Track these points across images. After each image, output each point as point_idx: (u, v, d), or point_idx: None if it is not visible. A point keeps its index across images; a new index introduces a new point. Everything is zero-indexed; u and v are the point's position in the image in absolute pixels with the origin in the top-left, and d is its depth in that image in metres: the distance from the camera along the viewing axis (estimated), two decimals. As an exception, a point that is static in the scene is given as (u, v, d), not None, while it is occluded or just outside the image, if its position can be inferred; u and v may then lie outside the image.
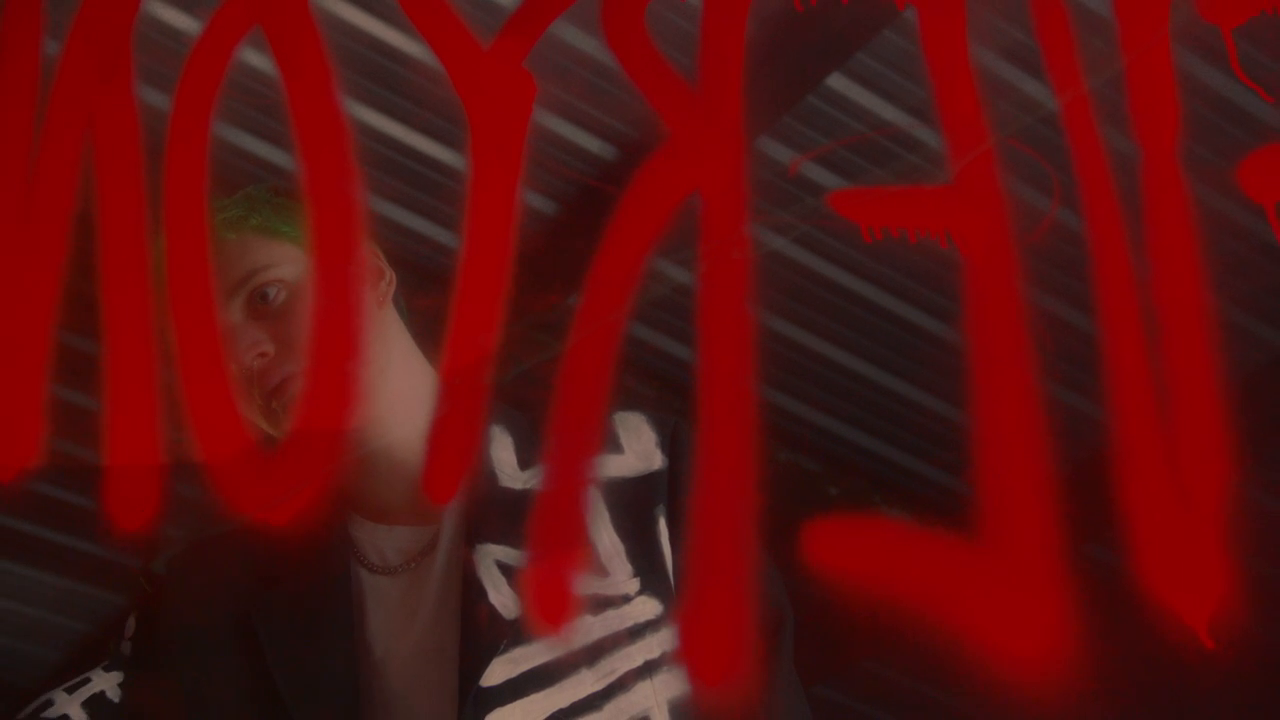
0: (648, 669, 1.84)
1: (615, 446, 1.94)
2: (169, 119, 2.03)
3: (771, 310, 4.23)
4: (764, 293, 1.86)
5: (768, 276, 1.87)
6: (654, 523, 1.90)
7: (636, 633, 1.85)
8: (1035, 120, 2.45)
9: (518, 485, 1.91)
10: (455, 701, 1.81)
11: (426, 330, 2.05)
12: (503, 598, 1.83)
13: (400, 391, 1.96)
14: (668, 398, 4.22)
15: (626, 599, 1.85)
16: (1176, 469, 1.70)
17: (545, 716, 1.80)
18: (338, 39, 2.14)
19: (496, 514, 1.88)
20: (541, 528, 1.80)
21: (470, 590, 1.84)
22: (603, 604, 1.84)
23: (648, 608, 1.86)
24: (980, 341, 1.78)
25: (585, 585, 1.84)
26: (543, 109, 2.09)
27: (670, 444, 1.96)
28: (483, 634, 1.81)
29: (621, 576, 1.86)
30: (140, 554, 2.02)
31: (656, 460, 1.95)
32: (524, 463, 1.93)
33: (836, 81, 3.80)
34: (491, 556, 1.86)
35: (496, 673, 1.81)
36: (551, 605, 1.78)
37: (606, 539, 1.87)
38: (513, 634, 1.81)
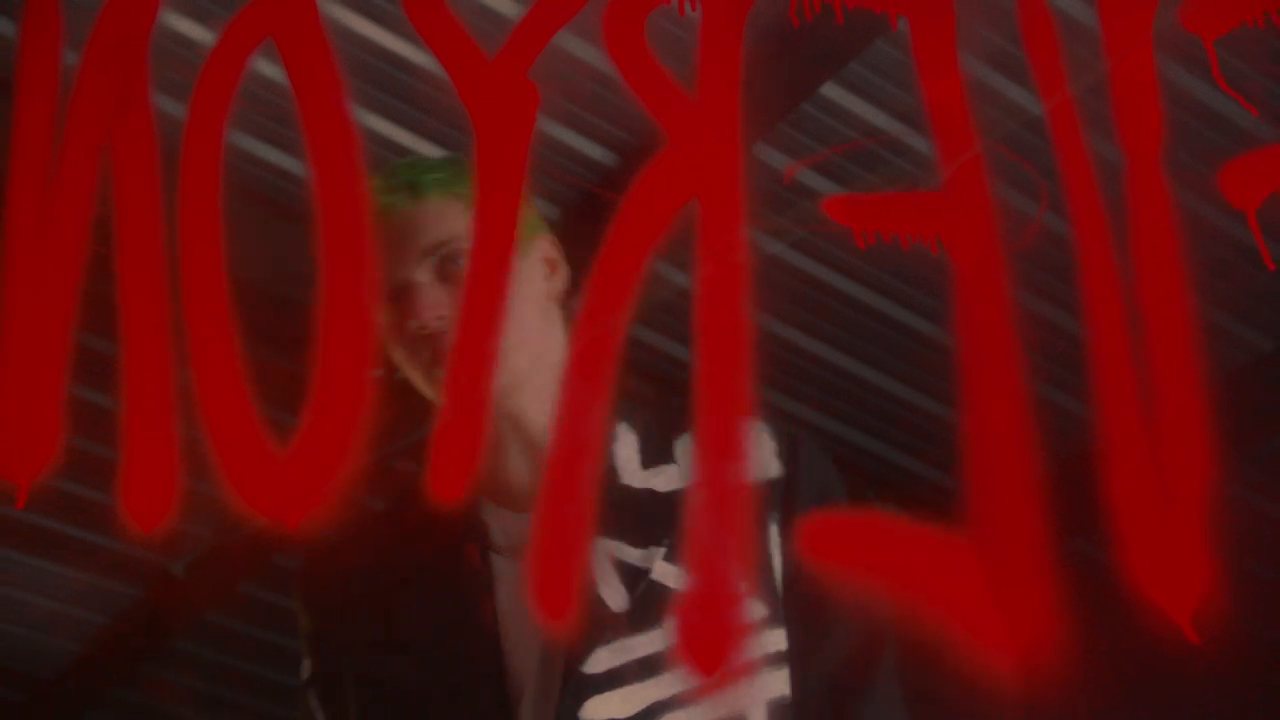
0: (749, 668, 1.85)
1: None
2: (184, 126, 2.05)
3: (768, 312, 4.23)
4: (761, 295, 1.87)
5: (764, 280, 1.88)
6: (766, 530, 1.91)
7: None
8: (1022, 127, 2.47)
9: (637, 484, 1.93)
10: (559, 684, 1.85)
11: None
12: (612, 591, 1.86)
13: (541, 385, 1.99)
14: (668, 398, 4.22)
15: None
16: (1161, 466, 1.72)
17: (644, 707, 1.83)
18: (347, 49, 2.14)
19: (614, 510, 1.87)
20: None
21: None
22: None
23: (754, 610, 1.87)
24: (970, 342, 1.79)
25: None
26: (546, 116, 2.09)
27: (788, 453, 1.98)
28: (590, 623, 1.81)
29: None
30: (158, 549, 2.04)
31: (773, 469, 1.97)
32: (646, 461, 1.95)
33: (830, 90, 3.81)
34: (606, 550, 1.88)
35: (600, 660, 1.84)
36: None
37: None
38: (619, 626, 1.84)
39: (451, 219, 2.02)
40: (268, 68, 2.11)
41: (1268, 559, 4.75)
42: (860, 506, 1.99)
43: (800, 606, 1.91)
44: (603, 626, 1.84)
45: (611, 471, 1.92)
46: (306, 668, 2.09)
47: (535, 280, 2.04)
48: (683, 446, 1.97)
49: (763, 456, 1.96)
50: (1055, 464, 1.78)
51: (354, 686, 1.99)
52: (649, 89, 1.97)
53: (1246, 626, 4.66)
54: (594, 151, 3.90)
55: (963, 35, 1.92)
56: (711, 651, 1.75)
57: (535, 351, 1.99)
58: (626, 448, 1.95)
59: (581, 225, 3.93)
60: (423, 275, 2.00)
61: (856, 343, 4.54)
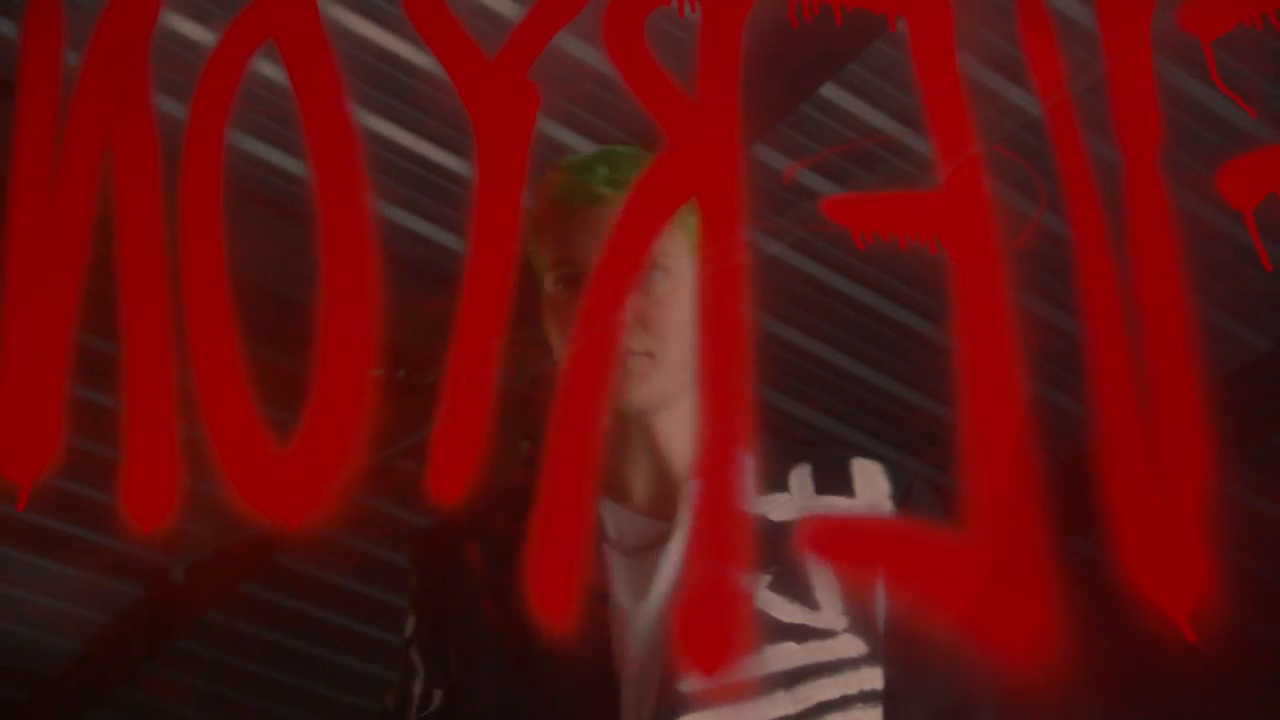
0: (843, 703, 1.87)
1: (848, 489, 1.97)
2: (185, 127, 2.05)
3: (767, 312, 4.24)
4: (760, 296, 1.88)
5: (764, 280, 1.89)
6: (872, 569, 1.92)
7: (837, 667, 1.88)
8: (1021, 127, 2.48)
9: (751, 510, 1.91)
10: (655, 699, 1.86)
11: (434, 333, 2.07)
12: None
13: (678, 390, 1.98)
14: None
15: (833, 634, 1.88)
16: (1159, 466, 1.72)
17: None
18: (348, 50, 2.15)
19: (726, 534, 1.85)
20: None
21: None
22: (810, 635, 1.87)
23: (852, 646, 1.89)
24: (968, 342, 1.80)
25: (794, 614, 1.88)
26: (546, 117, 2.10)
27: (902, 496, 1.99)
28: None
29: (831, 613, 1.88)
30: (160, 549, 2.04)
31: (885, 508, 1.97)
32: (762, 488, 1.95)
33: (830, 91, 3.82)
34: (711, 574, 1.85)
35: (695, 680, 1.82)
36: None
37: (824, 576, 1.89)
38: None
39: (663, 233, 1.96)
40: (268, 68, 2.11)
41: (1266, 558, 4.76)
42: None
43: (902, 649, 1.91)
44: None
45: (727, 495, 1.89)
46: (410, 625, 2.09)
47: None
48: (798, 477, 1.98)
49: (876, 496, 1.97)
50: (1054, 464, 1.79)
51: (455, 652, 2.00)
52: (649, 90, 1.97)
53: (1244, 626, 4.67)
54: (594, 152, 3.90)
55: (961, 36, 1.92)
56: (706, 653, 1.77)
57: (684, 362, 1.98)
58: (746, 472, 1.95)
59: (581, 226, 3.93)
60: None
61: (855, 343, 4.54)
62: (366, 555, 5.23)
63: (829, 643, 1.88)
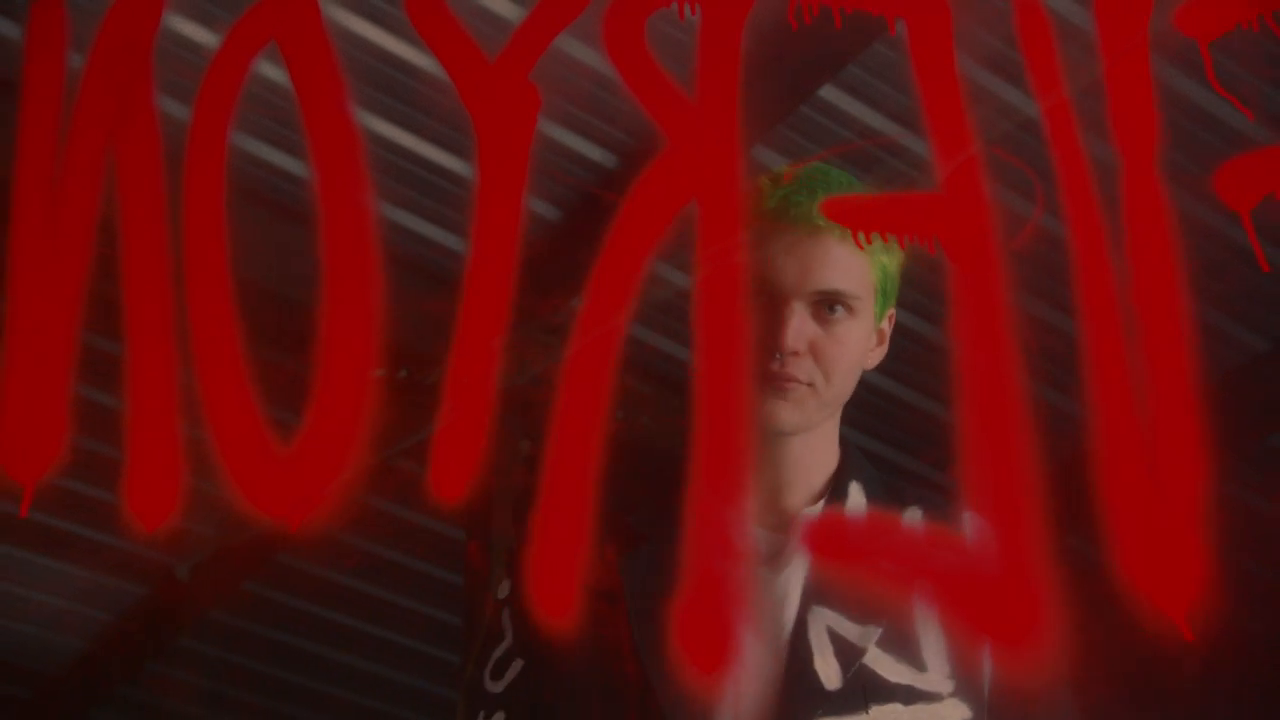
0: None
1: (959, 542, 1.90)
2: (188, 129, 2.06)
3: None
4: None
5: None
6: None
7: None
8: (1019, 129, 2.48)
9: (868, 554, 1.89)
10: None
11: (435, 333, 2.07)
12: (828, 666, 1.82)
13: (824, 420, 1.96)
14: (667, 397, 4.22)
15: (938, 697, 1.82)
16: (1156, 466, 1.73)
17: None
18: (350, 52, 2.15)
19: (839, 577, 1.86)
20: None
21: (800, 645, 1.83)
22: (915, 696, 1.81)
23: (957, 711, 1.83)
24: (966, 342, 1.81)
25: (901, 674, 1.82)
26: (547, 119, 2.10)
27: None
28: (799, 691, 1.81)
29: (938, 675, 1.84)
30: (163, 548, 2.05)
31: (990, 566, 1.87)
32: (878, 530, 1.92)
33: (829, 92, 3.81)
34: (824, 620, 1.84)
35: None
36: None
37: (933, 635, 1.85)
38: (827, 704, 1.80)
39: (859, 273, 1.92)
40: (271, 70, 2.12)
41: (1263, 558, 4.76)
42: None
43: (1009, 714, 1.86)
44: (811, 702, 1.81)
45: (843, 542, 1.91)
46: (505, 587, 2.01)
47: (868, 343, 1.97)
48: (911, 520, 1.93)
49: (985, 553, 1.87)
50: (1052, 463, 1.78)
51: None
52: (649, 91, 1.97)
53: (1242, 625, 4.66)
54: (594, 153, 3.90)
55: (960, 38, 1.93)
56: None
57: (840, 398, 1.96)
58: (858, 507, 1.93)
59: (583, 226, 3.94)
60: (802, 304, 1.90)
61: (854, 343, 4.53)
62: (369, 554, 5.23)
63: (935, 706, 1.82)
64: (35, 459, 1.97)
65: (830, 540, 1.87)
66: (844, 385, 1.95)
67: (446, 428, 1.92)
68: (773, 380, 1.88)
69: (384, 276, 2.00)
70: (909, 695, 1.81)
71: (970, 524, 1.88)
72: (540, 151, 2.01)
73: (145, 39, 2.11)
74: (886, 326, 1.99)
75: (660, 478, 1.92)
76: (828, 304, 1.90)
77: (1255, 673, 4.78)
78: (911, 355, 4.24)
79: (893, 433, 4.73)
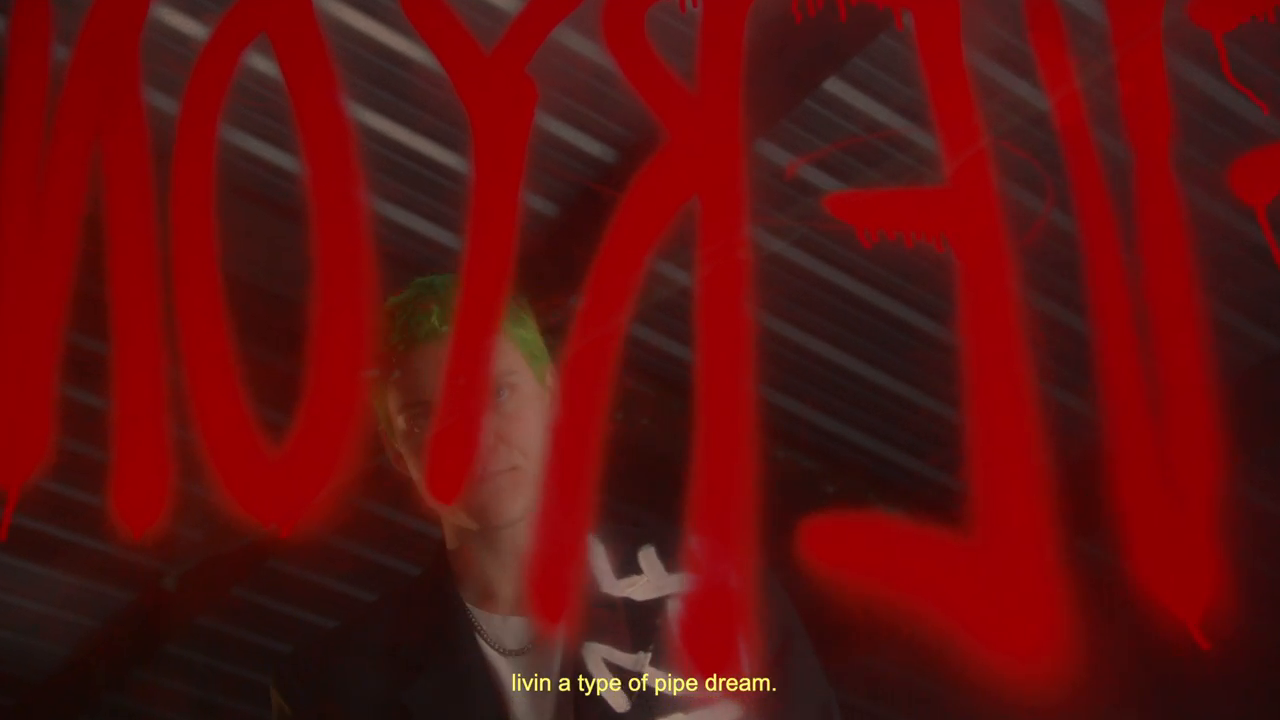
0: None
1: (688, 564, 2.03)
2: (177, 123, 2.04)
3: (769, 311, 4.24)
4: (762, 294, 1.88)
5: (766, 278, 1.88)
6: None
7: None
8: (1028, 123, 2.47)
9: (616, 593, 2.02)
10: None
11: None
12: (612, 693, 1.98)
13: (531, 502, 2.02)
14: (667, 397, 4.23)
15: (714, 701, 1.96)
16: (1169, 467, 1.72)
17: None
18: (342, 44, 2.15)
19: (601, 616, 2.01)
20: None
21: (584, 678, 1.99)
22: (695, 704, 1.97)
23: (731, 710, 1.98)
24: (975, 341, 1.79)
25: (680, 687, 1.97)
26: (544, 112, 2.10)
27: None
28: (594, 718, 1.97)
29: (709, 683, 1.94)
30: (150, 553, 2.05)
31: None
32: (620, 572, 2.04)
33: (833, 85, 3.80)
34: (598, 654, 1.99)
35: None
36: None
37: (694, 649, 1.97)
38: None
39: (504, 355, 2.03)
40: (262, 63, 2.12)
41: (1277, 561, 4.75)
42: (861, 508, 2.01)
43: (769, 692, 2.00)
44: None
45: (593, 580, 2.03)
46: None
47: (544, 405, 2.06)
48: (647, 558, 2.05)
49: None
50: (1061, 465, 1.77)
51: None
52: (649, 84, 1.96)
53: (1256, 629, 4.65)
54: (593, 148, 3.90)
55: (968, 29, 1.91)
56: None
57: (537, 478, 2.04)
58: (600, 559, 2.05)
59: (581, 223, 3.94)
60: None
61: (859, 341, 4.54)
62: (360, 560, 5.22)
63: (713, 710, 1.97)
64: (19, 461, 1.96)
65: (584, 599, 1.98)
66: (539, 454, 2.03)
67: (441, 429, 1.91)
68: (482, 479, 1.98)
69: (377, 274, 1.99)
70: (688, 704, 1.97)
71: (697, 547, 1.96)
72: (538, 146, 1.99)
73: (132, 31, 2.10)
74: (553, 381, 2.07)
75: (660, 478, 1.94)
76: (504, 389, 2.01)
77: (1269, 678, 4.77)
78: (918, 354, 4.24)
79: (898, 434, 4.72)
